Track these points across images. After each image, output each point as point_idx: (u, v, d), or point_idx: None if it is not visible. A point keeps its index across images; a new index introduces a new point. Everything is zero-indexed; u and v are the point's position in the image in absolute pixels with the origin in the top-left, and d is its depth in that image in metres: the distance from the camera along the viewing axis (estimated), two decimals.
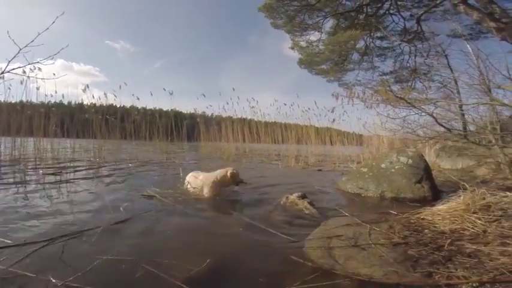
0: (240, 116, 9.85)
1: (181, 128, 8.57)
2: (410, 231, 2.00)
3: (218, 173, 3.21)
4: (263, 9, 11.58)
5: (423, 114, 3.01)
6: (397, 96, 2.99)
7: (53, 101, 7.32)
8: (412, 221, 2.20)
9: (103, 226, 2.03)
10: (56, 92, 6.93)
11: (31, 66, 4.34)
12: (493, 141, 3.45)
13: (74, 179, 4.03)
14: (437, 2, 9.65)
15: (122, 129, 8.04)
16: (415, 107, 2.93)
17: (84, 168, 5.21)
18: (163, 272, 1.37)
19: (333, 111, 8.26)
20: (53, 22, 2.68)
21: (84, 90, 7.51)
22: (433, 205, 2.41)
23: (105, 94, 7.71)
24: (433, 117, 2.81)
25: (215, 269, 1.49)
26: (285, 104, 9.76)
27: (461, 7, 7.43)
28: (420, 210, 2.33)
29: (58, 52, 2.96)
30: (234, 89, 9.36)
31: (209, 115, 10.60)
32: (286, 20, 11.72)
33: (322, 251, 1.68)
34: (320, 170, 5.98)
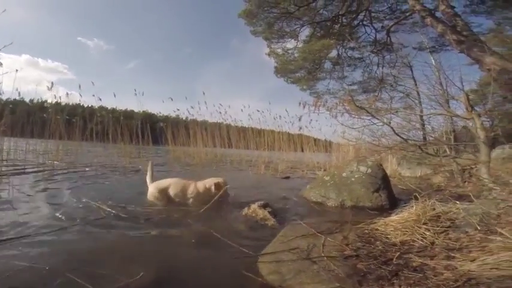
0: (212, 121, 9.70)
1: (150, 131, 8.20)
2: (363, 242, 1.96)
3: (204, 183, 3.01)
4: (243, 15, 11.65)
5: (380, 124, 3.06)
6: (358, 106, 3.01)
7: (12, 98, 6.70)
8: (366, 231, 2.18)
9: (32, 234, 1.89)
10: (17, 89, 6.33)
11: None
12: (448, 151, 3.63)
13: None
14: (408, 14, 10.24)
15: (86, 131, 7.51)
16: (374, 117, 2.96)
17: (32, 171, 4.74)
18: (88, 282, 1.30)
19: (300, 120, 8.34)
20: None
21: (49, 88, 6.95)
22: (389, 214, 2.42)
23: (67, 94, 7.19)
24: (391, 127, 2.86)
25: (154, 281, 1.40)
26: (258, 111, 9.70)
27: (428, 19, 7.89)
28: (375, 220, 2.32)
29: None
30: (204, 93, 9.09)
31: (184, 118, 10.28)
32: (265, 27, 11.87)
33: (273, 265, 1.61)
34: (288, 177, 5.95)
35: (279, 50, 12.53)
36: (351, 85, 13.38)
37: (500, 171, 3.32)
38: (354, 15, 11.61)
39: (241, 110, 9.75)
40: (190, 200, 2.93)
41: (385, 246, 1.85)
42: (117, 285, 1.31)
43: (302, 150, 9.27)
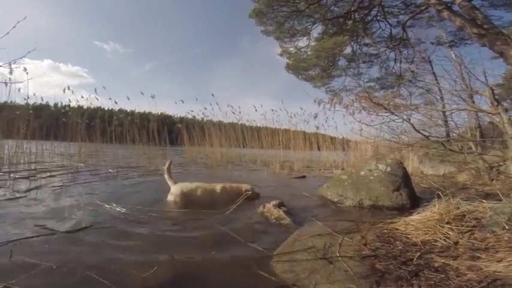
0: (228, 121, 9.77)
1: (167, 132, 8.40)
2: (381, 242, 1.90)
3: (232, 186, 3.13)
4: (253, 14, 11.62)
5: (399, 121, 2.95)
6: (375, 103, 2.93)
7: (38, 103, 7.13)
8: (385, 231, 2.11)
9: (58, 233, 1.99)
10: (33, 94, 6.71)
11: (15, 65, 4.08)
12: (473, 147, 3.44)
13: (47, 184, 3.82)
14: (423, 8, 9.85)
15: (106, 133, 7.83)
16: (393, 114, 2.86)
17: (59, 173, 4.99)
18: (105, 278, 1.36)
19: (315, 117, 8.19)
20: (14, 27, 2.59)
21: (64, 91, 7.31)
22: (410, 214, 2.33)
23: (82, 97, 7.51)
24: (411, 123, 2.76)
25: (168, 277, 1.45)
26: (272, 110, 9.62)
27: (445, 13, 7.55)
28: (395, 219, 2.25)
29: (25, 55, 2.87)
30: (213, 95, 9.19)
31: (199, 119, 10.45)
32: (276, 27, 11.79)
33: (288, 264, 1.60)
34: (304, 176, 5.88)
35: (292, 49, 12.36)
36: (368, 82, 13.00)
37: None
38: (367, 11, 11.29)
39: (255, 110, 9.65)
40: (217, 203, 2.92)
41: (405, 246, 1.79)
42: (131, 279, 1.37)
43: (318, 149, 9.13)
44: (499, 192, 2.12)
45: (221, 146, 8.95)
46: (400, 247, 1.78)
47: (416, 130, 2.85)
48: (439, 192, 2.23)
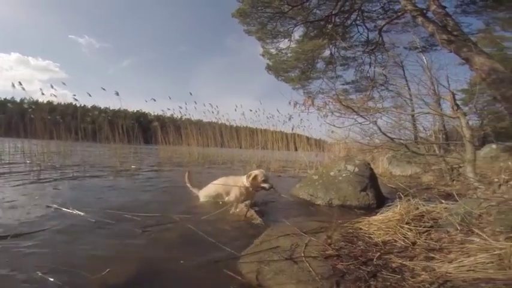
0: (207, 120, 9.64)
1: (143, 130, 8.13)
2: (345, 242, 1.93)
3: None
4: (237, 14, 11.61)
5: (368, 123, 3.04)
6: (345, 105, 2.99)
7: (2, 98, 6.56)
8: (350, 231, 2.15)
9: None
10: None
11: None
12: (437, 150, 3.63)
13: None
14: (400, 14, 10.29)
15: (77, 130, 7.41)
16: (361, 116, 2.94)
17: (20, 172, 4.65)
18: (58, 280, 1.36)
19: (290, 119, 8.30)
20: None
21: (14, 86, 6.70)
22: (376, 213, 2.39)
23: (51, 94, 6.99)
24: (377, 126, 2.84)
25: (123, 278, 1.44)
26: (251, 110, 9.63)
27: (420, 19, 7.93)
28: (360, 219, 2.29)
29: None
30: (191, 94, 9.05)
31: (177, 118, 10.21)
32: (259, 27, 11.85)
33: (255, 264, 1.60)
34: (279, 176, 5.92)
35: (273, 50, 12.53)
36: (343, 85, 13.44)
37: (488, 170, 3.32)
38: (347, 15, 11.62)
39: (235, 110, 9.59)
40: (233, 196, 2.98)
41: (367, 246, 1.83)
42: (83, 281, 1.35)
43: (296, 150, 9.24)
44: (454, 193, 2.22)
45: (198, 145, 8.81)
46: (362, 247, 1.81)
47: (382, 132, 2.95)
48: (400, 193, 2.31)
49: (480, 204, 1.73)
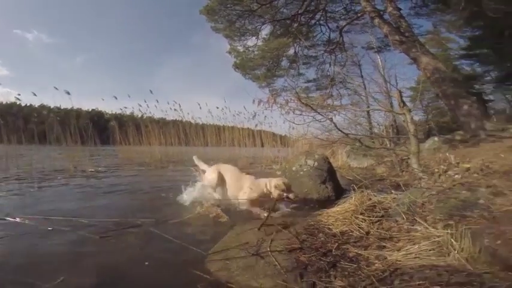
0: (171, 118, 9.28)
1: (99, 130, 7.56)
2: (307, 234, 2.01)
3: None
4: (204, 11, 11.41)
5: (325, 120, 3.20)
6: (303, 103, 3.12)
7: None
8: (312, 223, 2.24)
9: None
10: None
11: None
12: (388, 143, 3.97)
13: None
14: (359, 15, 10.90)
15: (25, 132, 6.63)
16: (319, 113, 3.08)
17: None
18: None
19: (254, 117, 8.37)
20: None
21: None
22: (335, 205, 2.52)
23: None
24: (333, 122, 3.01)
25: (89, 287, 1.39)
26: (217, 107, 9.49)
27: (377, 20, 8.48)
28: (320, 211, 2.41)
29: None
30: (151, 92, 8.68)
31: (137, 116, 9.70)
32: (227, 24, 11.76)
33: (222, 262, 1.62)
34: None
35: (240, 48, 12.58)
36: (305, 83, 13.96)
37: (432, 161, 3.68)
38: (312, 15, 12.03)
39: (200, 108, 9.37)
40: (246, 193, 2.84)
41: (326, 237, 1.92)
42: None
43: (262, 146, 9.35)
44: (401, 184, 2.43)
45: (161, 145, 8.47)
46: (322, 238, 1.91)
47: (337, 128, 3.13)
48: (354, 185, 2.46)
49: (423, 194, 1.92)
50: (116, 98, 8.39)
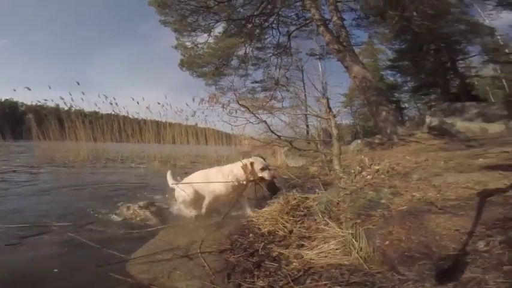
0: (104, 112, 8.42)
1: (11, 124, 6.40)
2: (239, 235, 2.05)
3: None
4: (154, 3, 10.75)
5: (256, 122, 3.32)
6: (240, 104, 3.19)
7: None
8: (244, 223, 2.30)
9: None
10: None
11: None
12: (319, 145, 4.36)
13: None
14: (308, 21, 11.53)
15: None
16: (254, 115, 3.19)
17: None
18: None
19: (193, 115, 8.22)
20: None
21: None
22: (266, 205, 2.61)
23: None
24: (267, 124, 3.14)
25: None
26: (159, 103, 8.88)
27: (321, 29, 9.08)
28: (253, 211, 2.49)
29: None
30: (78, 83, 7.74)
31: (63, 109, 8.53)
32: (178, 19, 11.24)
33: (146, 265, 1.59)
34: (185, 173, 5.73)
35: (188, 43, 12.20)
36: (253, 83, 14.33)
37: (353, 162, 4.13)
38: (266, 17, 12.32)
39: (138, 103, 8.67)
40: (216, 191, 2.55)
41: (255, 237, 1.98)
42: None
43: (206, 144, 9.18)
44: (320, 184, 2.66)
45: (91, 141, 7.64)
46: (251, 239, 1.96)
47: (271, 131, 3.29)
48: (286, 185, 2.60)
49: (339, 193, 2.13)
50: (29, 89, 7.23)
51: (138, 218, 2.49)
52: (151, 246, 1.87)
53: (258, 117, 3.27)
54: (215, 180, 2.54)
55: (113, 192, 3.74)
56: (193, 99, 6.65)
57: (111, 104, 8.28)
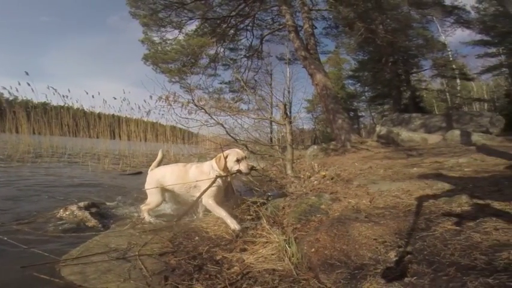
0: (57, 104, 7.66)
1: None
2: (185, 238, 2.03)
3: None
4: None
5: (212, 124, 3.33)
6: (198, 106, 3.17)
7: None
8: (191, 226, 2.27)
9: None
10: None
11: None
12: (277, 149, 4.49)
13: None
14: (281, 27, 11.75)
15: None
16: (211, 117, 3.19)
17: None
18: None
19: (148, 114, 7.95)
20: None
21: None
22: None
23: None
24: (224, 127, 3.16)
25: None
26: (115, 98, 8.29)
27: (292, 35, 9.32)
28: (203, 215, 2.48)
29: None
30: (27, 73, 6.96)
31: (9, 99, 7.66)
32: (149, 12, 10.76)
33: (78, 266, 1.55)
34: (140, 172, 5.49)
35: (156, 39, 11.78)
36: (220, 83, 14.26)
37: (309, 166, 4.32)
38: (242, 19, 12.29)
39: (92, 96, 8.02)
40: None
41: (201, 240, 1.98)
42: None
43: (167, 142, 8.86)
44: (264, 188, 2.73)
45: (40, 134, 6.94)
46: (196, 242, 1.95)
47: (227, 133, 3.32)
48: (235, 188, 2.62)
49: (285, 198, 2.22)
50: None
51: (76, 219, 2.36)
52: (87, 248, 1.81)
53: (215, 120, 3.26)
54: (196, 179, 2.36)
55: (53, 190, 3.46)
56: (151, 97, 6.39)
57: (64, 96, 7.57)
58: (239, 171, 2.28)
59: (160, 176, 2.50)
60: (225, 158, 2.27)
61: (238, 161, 2.28)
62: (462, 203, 1.55)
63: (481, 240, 1.19)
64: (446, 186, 1.97)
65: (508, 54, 15.15)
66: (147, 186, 2.53)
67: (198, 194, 2.31)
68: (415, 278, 1.03)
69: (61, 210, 2.46)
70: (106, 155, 6.90)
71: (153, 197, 2.48)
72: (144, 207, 2.48)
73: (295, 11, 10.66)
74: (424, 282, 1.00)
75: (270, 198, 2.45)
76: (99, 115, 8.02)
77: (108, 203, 2.96)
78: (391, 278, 1.06)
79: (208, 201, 2.27)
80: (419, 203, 1.62)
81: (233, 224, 2.06)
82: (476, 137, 5.76)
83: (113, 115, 8.29)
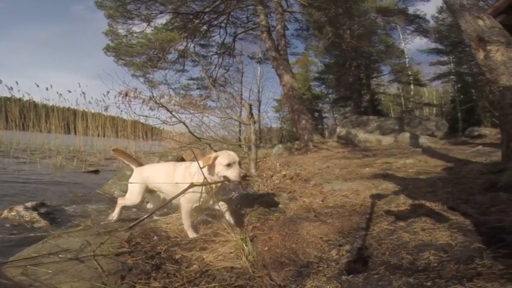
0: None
1: None
2: (143, 238, 1.99)
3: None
4: None
5: (174, 122, 3.28)
6: (158, 104, 3.11)
7: None
8: (150, 226, 2.23)
9: None
10: None
11: None
12: (244, 148, 4.57)
13: None
14: (255, 26, 11.75)
15: None
16: (173, 115, 3.15)
17: None
18: None
19: (106, 110, 7.53)
20: None
21: None
22: None
23: None
24: (186, 125, 3.14)
25: None
26: (69, 91, 7.63)
27: (264, 35, 9.41)
28: (163, 215, 2.46)
29: None
30: None
31: None
32: (117, 4, 10.19)
33: (29, 268, 1.49)
34: (97, 171, 5.18)
35: (122, 31, 11.17)
36: (188, 80, 13.92)
37: (273, 165, 4.45)
38: (217, 16, 12.02)
39: (46, 89, 7.31)
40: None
41: (160, 240, 1.96)
42: None
43: (128, 138, 8.44)
44: (240, 186, 2.76)
45: None
46: (154, 242, 1.93)
47: (190, 132, 3.30)
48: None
49: (248, 197, 2.28)
50: None
51: (22, 220, 2.25)
52: (36, 249, 1.73)
53: (176, 118, 3.21)
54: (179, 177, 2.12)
55: None
56: (108, 92, 6.07)
57: (10, 88, 6.80)
58: (226, 178, 1.87)
59: (150, 174, 2.36)
60: (214, 159, 1.90)
61: (229, 165, 1.88)
62: (400, 203, 1.72)
63: (409, 240, 1.30)
64: (390, 186, 2.17)
65: (456, 63, 16.96)
66: (131, 181, 2.41)
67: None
68: (351, 276, 1.12)
69: (5, 211, 2.30)
70: (58, 151, 6.36)
71: (132, 195, 2.35)
72: (120, 201, 2.39)
73: (270, 11, 10.79)
74: (359, 280, 1.08)
75: (233, 197, 2.48)
76: (52, 108, 7.37)
77: (59, 203, 2.80)
78: (330, 276, 1.14)
79: (183, 203, 2.05)
80: (363, 203, 1.77)
81: (191, 234, 1.98)
82: (423, 140, 6.37)
83: (68, 108, 7.69)
